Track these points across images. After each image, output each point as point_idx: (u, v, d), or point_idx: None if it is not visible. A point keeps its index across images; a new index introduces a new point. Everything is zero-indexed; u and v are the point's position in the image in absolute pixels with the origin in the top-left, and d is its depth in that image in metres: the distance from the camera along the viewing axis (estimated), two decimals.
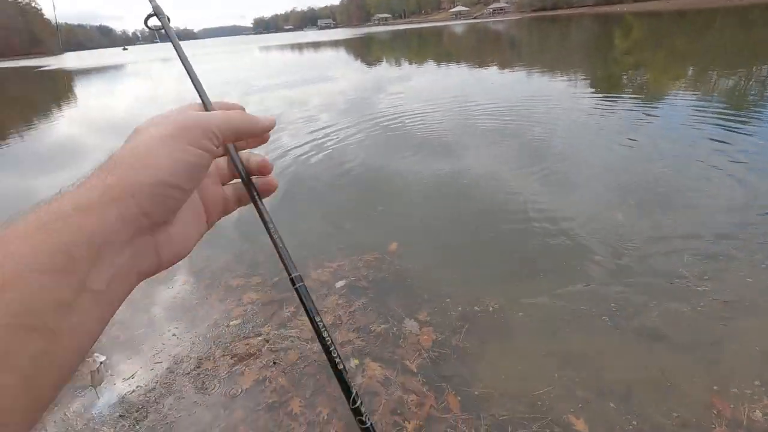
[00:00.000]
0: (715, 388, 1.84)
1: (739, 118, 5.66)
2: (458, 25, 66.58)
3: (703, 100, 6.89)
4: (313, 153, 5.71)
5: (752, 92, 7.51)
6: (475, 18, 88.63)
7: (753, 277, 2.51)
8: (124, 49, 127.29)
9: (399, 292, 2.66)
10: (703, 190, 3.70)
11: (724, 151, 4.47)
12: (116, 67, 34.79)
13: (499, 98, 8.36)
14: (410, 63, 18.62)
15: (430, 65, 16.68)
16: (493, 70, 13.28)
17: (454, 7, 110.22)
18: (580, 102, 7.58)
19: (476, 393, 1.92)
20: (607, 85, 9.48)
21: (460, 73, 13.43)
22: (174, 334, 2.47)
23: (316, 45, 43.06)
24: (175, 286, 2.93)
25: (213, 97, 0.40)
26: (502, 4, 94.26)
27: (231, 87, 13.91)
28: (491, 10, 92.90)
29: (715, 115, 5.83)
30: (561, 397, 1.87)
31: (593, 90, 8.84)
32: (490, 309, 2.44)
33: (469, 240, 3.28)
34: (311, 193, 4.48)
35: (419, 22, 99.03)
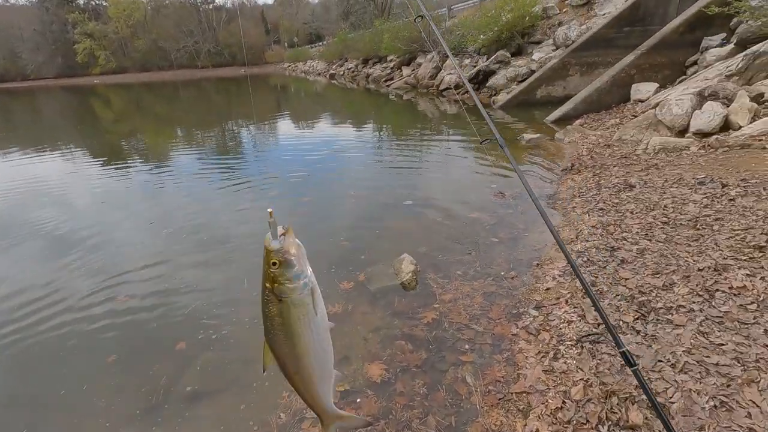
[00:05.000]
0: None
1: (231, 161, 7.06)
2: None
3: (200, 152, 8.09)
4: None
5: (230, 141, 9.63)
6: None
7: None
8: None
9: None
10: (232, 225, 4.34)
11: (230, 189, 5.44)
12: None
13: None
14: None
15: None
16: None
17: None
18: (89, 175, 6.89)
19: None
20: (108, 154, 9.13)
21: None
22: None
23: None
24: None
25: None
26: None
27: None
28: None
29: (215, 163, 7.00)
30: None
31: (96, 161, 8.26)
32: None
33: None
34: None
35: None
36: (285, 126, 11.59)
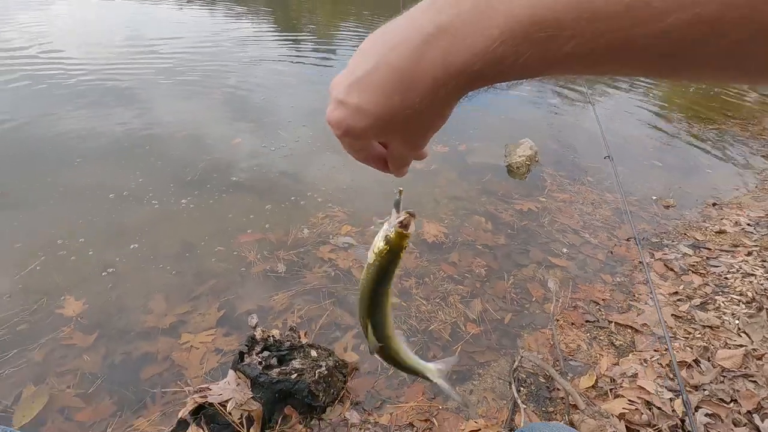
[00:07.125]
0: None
1: None
2: None
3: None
4: None
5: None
6: None
7: None
8: None
9: None
10: None
11: None
12: None
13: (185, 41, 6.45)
14: None
15: None
16: (169, 5, 10.51)
17: None
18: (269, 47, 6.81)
19: None
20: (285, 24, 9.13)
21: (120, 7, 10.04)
22: None
23: None
24: None
25: None
26: None
27: None
28: None
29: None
30: None
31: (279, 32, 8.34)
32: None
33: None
34: None
35: None
36: None
